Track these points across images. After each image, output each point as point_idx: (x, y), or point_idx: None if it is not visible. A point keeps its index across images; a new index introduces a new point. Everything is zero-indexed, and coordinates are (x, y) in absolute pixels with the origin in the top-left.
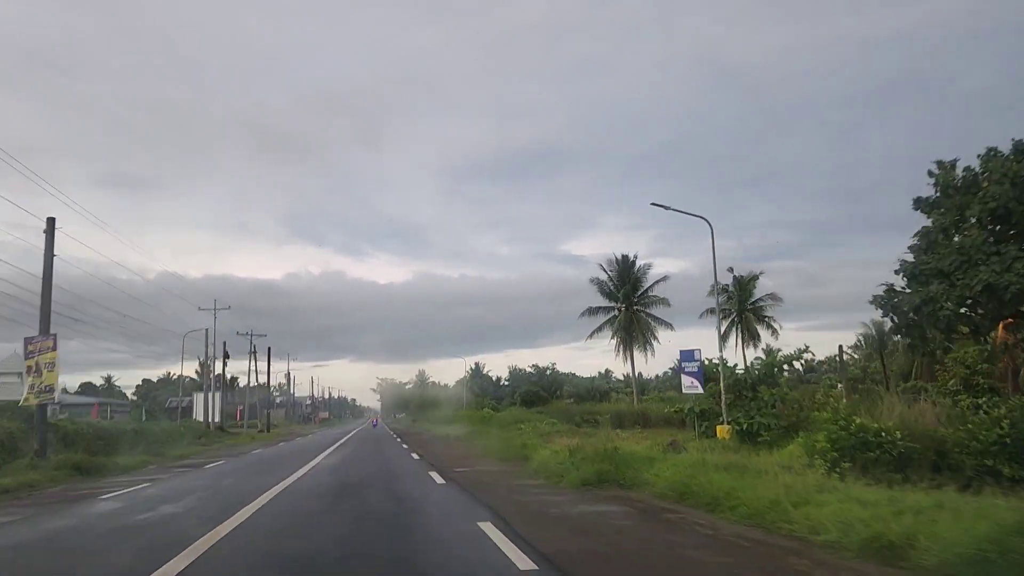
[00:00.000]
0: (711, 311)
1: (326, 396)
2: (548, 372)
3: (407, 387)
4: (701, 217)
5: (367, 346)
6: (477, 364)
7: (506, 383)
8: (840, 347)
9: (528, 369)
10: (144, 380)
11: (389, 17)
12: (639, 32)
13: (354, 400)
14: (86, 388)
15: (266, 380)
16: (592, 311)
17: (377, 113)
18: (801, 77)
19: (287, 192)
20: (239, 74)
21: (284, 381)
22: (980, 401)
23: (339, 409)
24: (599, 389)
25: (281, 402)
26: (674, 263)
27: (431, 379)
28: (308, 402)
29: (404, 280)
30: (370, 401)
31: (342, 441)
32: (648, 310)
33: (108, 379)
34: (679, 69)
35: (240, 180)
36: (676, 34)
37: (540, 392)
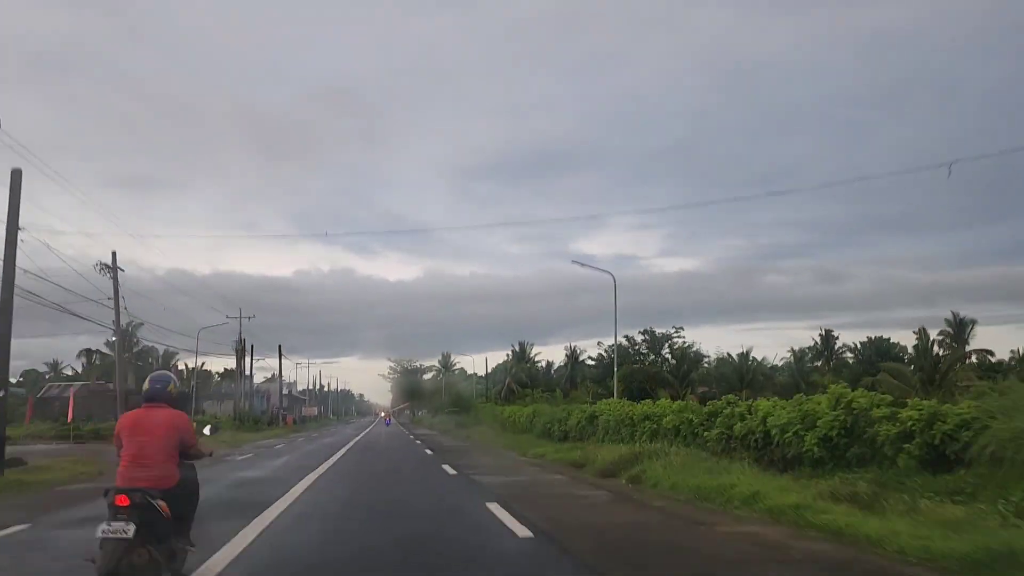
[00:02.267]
0: None
1: (315, 387)
2: (674, 345)
3: (426, 375)
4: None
5: (376, 342)
6: (522, 345)
7: (559, 368)
8: None
9: (623, 342)
10: None
11: (396, 11)
12: (650, 27)
13: (361, 395)
14: (27, 375)
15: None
16: None
17: (386, 109)
18: (811, 75)
19: (296, 191)
20: (247, 70)
21: (281, 374)
22: None
23: (341, 404)
24: (762, 372)
25: (228, 391)
26: (686, 262)
27: (457, 365)
28: (286, 393)
29: (414, 278)
30: (380, 397)
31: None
32: None
33: (55, 365)
34: (691, 65)
35: (250, 179)
36: (688, 29)
37: (663, 374)
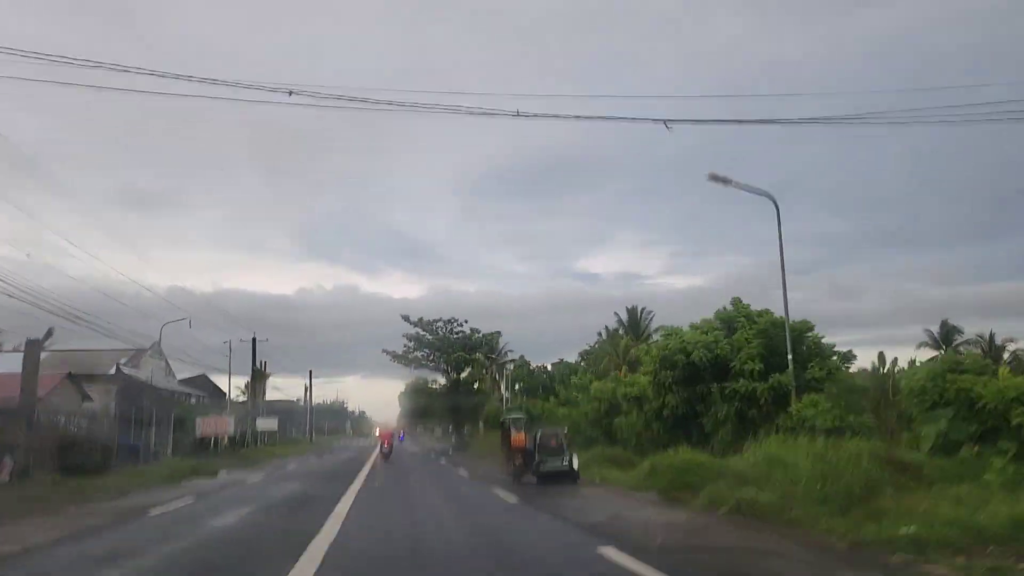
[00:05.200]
0: None
1: (251, 388)
2: None
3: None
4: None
5: (379, 361)
6: (633, 313)
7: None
8: None
9: None
10: None
11: (400, 21)
12: (659, 34)
13: (362, 412)
14: None
15: None
16: None
17: (392, 126)
18: (816, 86)
19: (301, 210)
20: (249, 78)
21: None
22: None
23: (330, 420)
24: None
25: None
26: (691, 280)
27: (508, 351)
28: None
29: (419, 295)
30: (385, 415)
31: None
32: None
33: None
34: (699, 73)
35: (253, 197)
36: (697, 37)
37: None
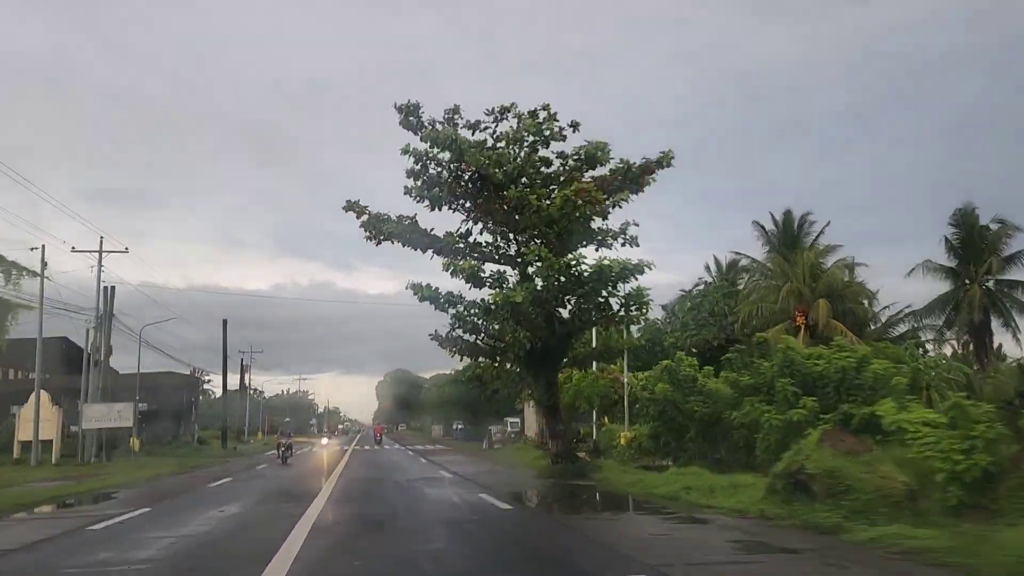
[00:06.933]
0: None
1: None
2: None
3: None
4: None
5: (357, 357)
6: (792, 215)
7: None
8: None
9: None
10: None
11: (382, 13)
12: (642, 33)
13: (336, 409)
14: None
15: None
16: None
17: (370, 121)
18: (793, 92)
19: (277, 208)
20: (232, 83)
21: None
22: None
23: (291, 416)
24: None
25: None
26: (666, 277)
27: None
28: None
29: (396, 291)
30: (361, 412)
31: None
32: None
33: None
34: (681, 75)
35: (231, 195)
36: (683, 37)
37: None
